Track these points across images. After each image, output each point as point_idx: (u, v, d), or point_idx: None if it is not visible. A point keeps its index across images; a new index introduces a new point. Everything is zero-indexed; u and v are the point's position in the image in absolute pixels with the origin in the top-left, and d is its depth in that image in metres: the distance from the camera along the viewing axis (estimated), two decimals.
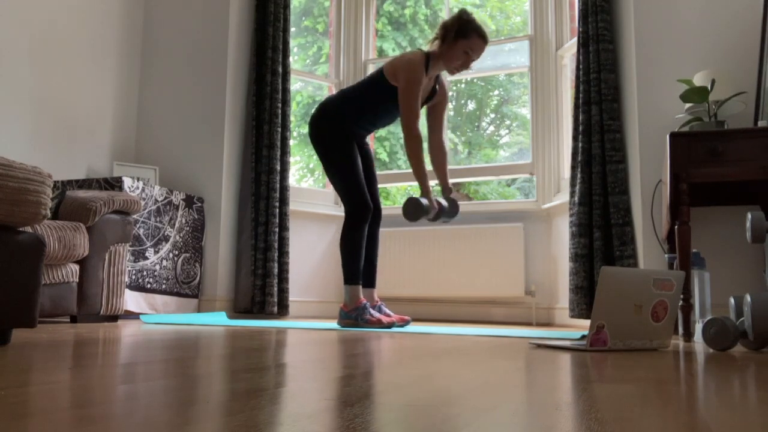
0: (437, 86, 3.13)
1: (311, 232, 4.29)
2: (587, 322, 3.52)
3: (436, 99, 3.15)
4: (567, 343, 1.87)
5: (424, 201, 2.88)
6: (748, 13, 3.01)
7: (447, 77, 3.40)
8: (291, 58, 4.21)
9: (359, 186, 2.97)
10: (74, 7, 3.81)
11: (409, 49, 7.65)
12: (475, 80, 8.09)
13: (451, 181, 3.19)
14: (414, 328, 2.91)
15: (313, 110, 3.04)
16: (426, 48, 3.05)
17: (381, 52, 6.98)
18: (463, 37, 2.89)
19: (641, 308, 1.78)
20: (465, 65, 2.96)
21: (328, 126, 2.98)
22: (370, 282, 3.10)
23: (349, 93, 3.01)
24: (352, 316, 2.93)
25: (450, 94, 3.22)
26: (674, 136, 2.37)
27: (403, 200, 2.98)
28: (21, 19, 3.50)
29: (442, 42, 2.95)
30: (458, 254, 4.01)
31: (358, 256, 2.97)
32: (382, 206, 3.28)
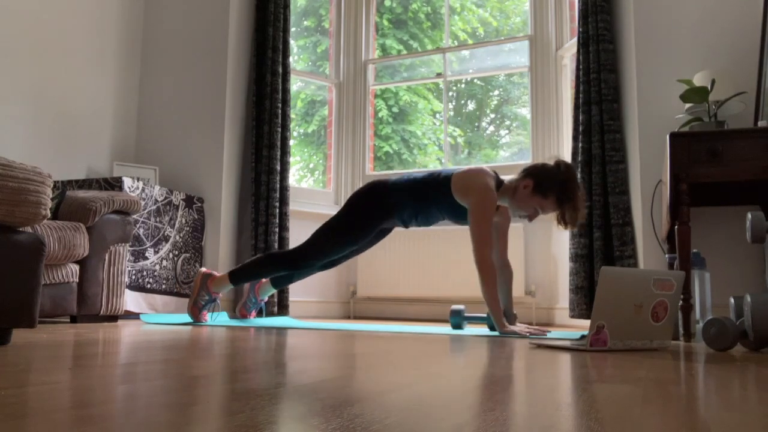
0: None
1: (311, 232, 4.29)
2: (587, 322, 3.52)
3: (496, 216, 2.86)
4: (567, 343, 1.87)
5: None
6: (748, 13, 3.01)
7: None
8: (291, 58, 4.21)
9: (329, 250, 2.80)
10: (74, 7, 3.81)
11: (405, 53, 7.66)
12: (474, 80, 8.10)
13: None
14: (414, 328, 2.91)
15: (372, 182, 2.82)
16: (508, 177, 2.76)
17: (383, 50, 6.98)
18: (542, 195, 2.56)
19: (641, 308, 1.78)
20: (530, 218, 2.63)
21: (370, 198, 2.77)
22: (278, 284, 3.12)
23: (408, 184, 2.74)
24: (201, 300, 2.97)
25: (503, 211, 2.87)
26: (674, 136, 2.37)
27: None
28: (21, 19, 3.50)
29: (523, 184, 2.60)
30: (458, 254, 4.01)
31: (256, 276, 2.92)
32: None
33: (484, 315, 2.86)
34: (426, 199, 2.68)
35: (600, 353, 1.68)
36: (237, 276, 2.94)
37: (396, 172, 4.51)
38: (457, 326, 2.86)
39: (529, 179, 2.58)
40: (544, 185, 2.55)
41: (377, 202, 2.75)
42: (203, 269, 3.04)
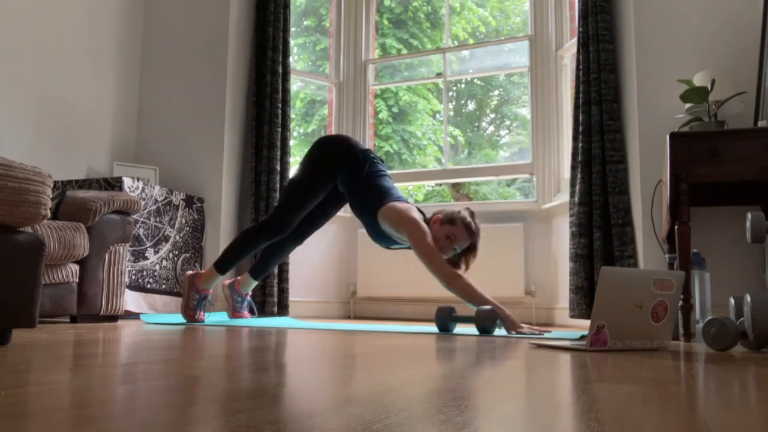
0: None
1: None
2: (587, 322, 3.52)
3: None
4: (567, 343, 1.87)
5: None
6: (748, 13, 3.01)
7: None
8: (291, 58, 4.21)
9: (296, 209, 2.93)
10: (74, 7, 3.81)
11: (406, 50, 7.67)
12: (475, 80, 8.09)
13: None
14: (414, 328, 2.91)
15: (337, 135, 2.99)
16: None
17: (383, 50, 6.97)
18: (450, 223, 2.84)
19: (641, 308, 1.78)
20: (444, 249, 2.82)
21: (332, 152, 2.93)
22: (257, 274, 3.15)
23: (366, 176, 2.90)
24: (192, 300, 3.02)
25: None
26: (674, 136, 2.37)
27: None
28: (21, 19, 3.50)
29: (434, 219, 2.87)
30: None
31: (238, 257, 3.00)
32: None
33: (473, 315, 2.60)
34: (362, 202, 2.88)
35: (600, 353, 1.68)
36: (222, 264, 3.00)
37: (393, 172, 4.51)
38: (443, 329, 2.65)
39: (438, 215, 2.87)
40: (450, 216, 2.84)
41: (341, 152, 2.91)
42: (189, 272, 3.10)
